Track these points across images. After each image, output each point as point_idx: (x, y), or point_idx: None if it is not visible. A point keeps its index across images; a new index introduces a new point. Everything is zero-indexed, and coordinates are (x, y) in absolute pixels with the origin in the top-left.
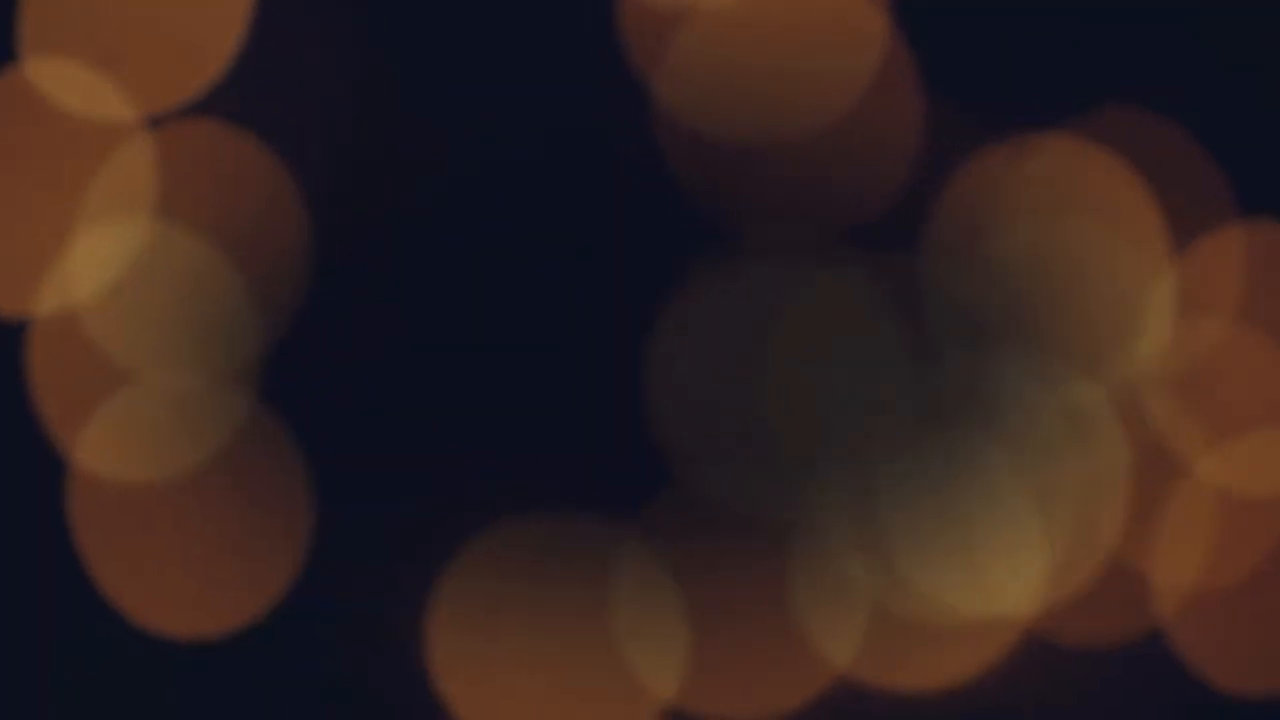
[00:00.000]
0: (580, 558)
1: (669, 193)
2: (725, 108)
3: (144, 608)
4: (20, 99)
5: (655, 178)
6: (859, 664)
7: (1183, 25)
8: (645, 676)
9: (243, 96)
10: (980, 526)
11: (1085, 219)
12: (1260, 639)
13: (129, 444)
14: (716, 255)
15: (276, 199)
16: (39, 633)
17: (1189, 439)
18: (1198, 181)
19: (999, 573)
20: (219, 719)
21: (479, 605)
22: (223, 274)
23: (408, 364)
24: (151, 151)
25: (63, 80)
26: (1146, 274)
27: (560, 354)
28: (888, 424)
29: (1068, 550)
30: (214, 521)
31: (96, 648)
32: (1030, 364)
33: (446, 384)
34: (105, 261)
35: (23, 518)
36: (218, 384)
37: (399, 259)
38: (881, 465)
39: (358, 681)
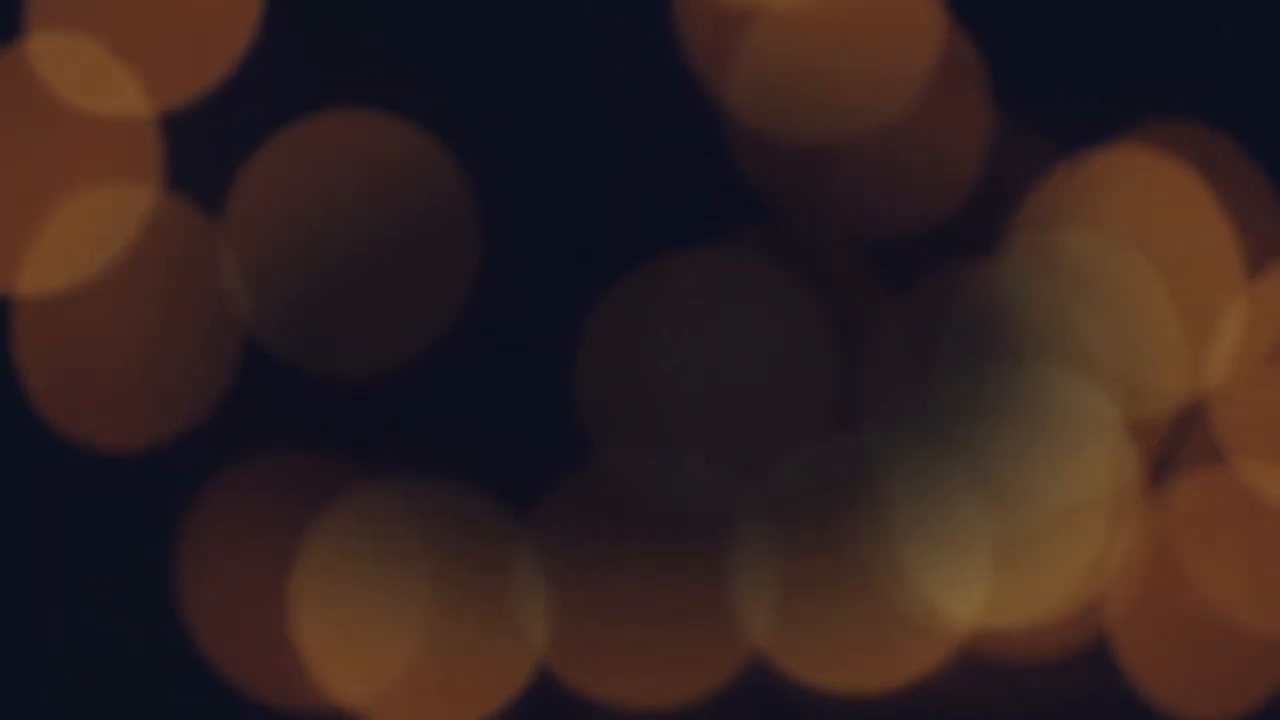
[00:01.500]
0: (482, 527)
1: (682, 187)
2: (785, 108)
3: (72, 420)
4: (19, 79)
5: (708, 174)
6: (773, 655)
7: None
8: (523, 640)
9: (248, 89)
10: (934, 533)
11: (1155, 233)
12: (1217, 667)
13: (61, 256)
14: (729, 246)
15: (278, 187)
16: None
17: (1226, 458)
18: (1261, 203)
19: (944, 578)
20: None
21: (355, 567)
22: (216, 257)
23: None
24: (153, 137)
25: (65, 63)
26: (1212, 293)
27: (550, 341)
28: (870, 425)
29: (1026, 561)
30: (139, 332)
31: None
32: (1055, 376)
33: (422, 366)
34: (98, 244)
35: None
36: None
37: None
38: (848, 465)
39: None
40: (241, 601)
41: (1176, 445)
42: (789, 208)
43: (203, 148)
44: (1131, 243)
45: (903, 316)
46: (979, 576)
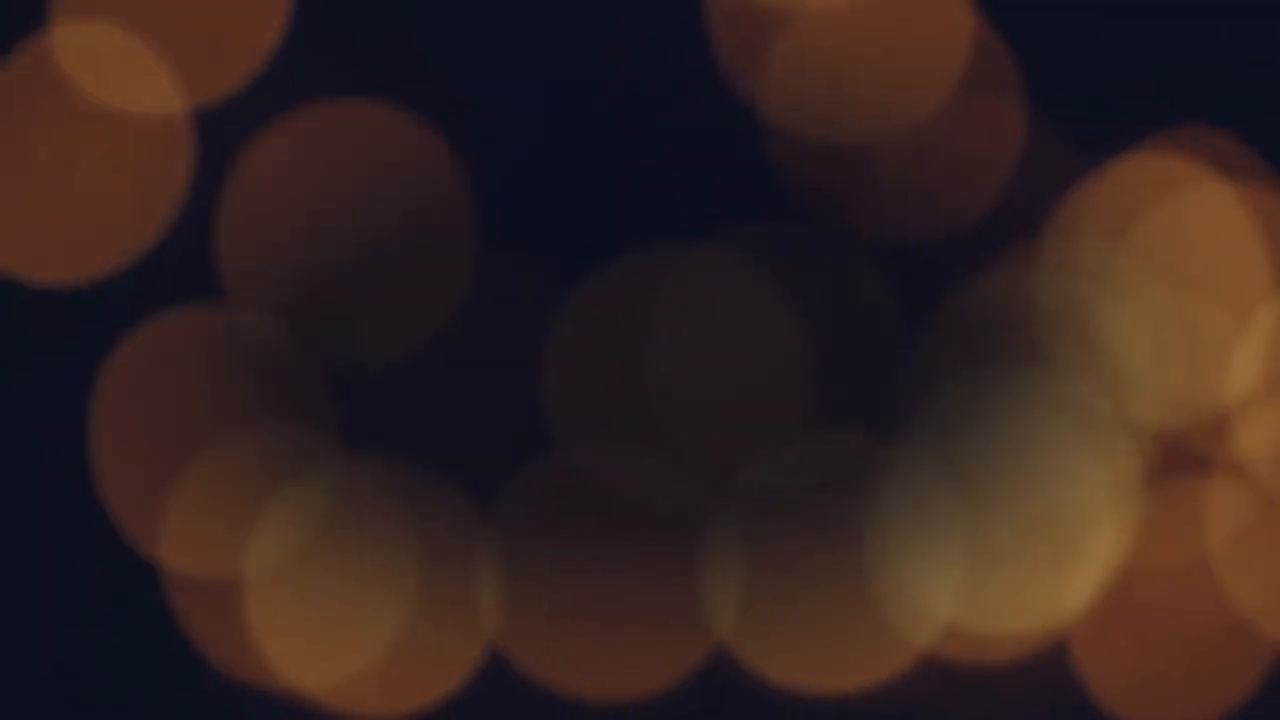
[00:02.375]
0: (445, 511)
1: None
2: (816, 107)
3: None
4: (42, 71)
5: (738, 173)
6: (738, 652)
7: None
8: (479, 626)
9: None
10: (910, 538)
11: (1181, 239)
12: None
13: None
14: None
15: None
16: None
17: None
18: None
19: (918, 583)
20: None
21: (314, 547)
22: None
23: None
24: (180, 132)
25: (89, 55)
26: (1237, 300)
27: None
28: (856, 427)
29: (1007, 566)
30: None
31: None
32: (1067, 382)
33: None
34: (122, 237)
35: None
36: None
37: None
38: (823, 466)
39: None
40: (200, 581)
41: (1198, 453)
42: (804, 206)
43: (221, 143)
44: (1156, 249)
45: (912, 318)
46: (954, 581)
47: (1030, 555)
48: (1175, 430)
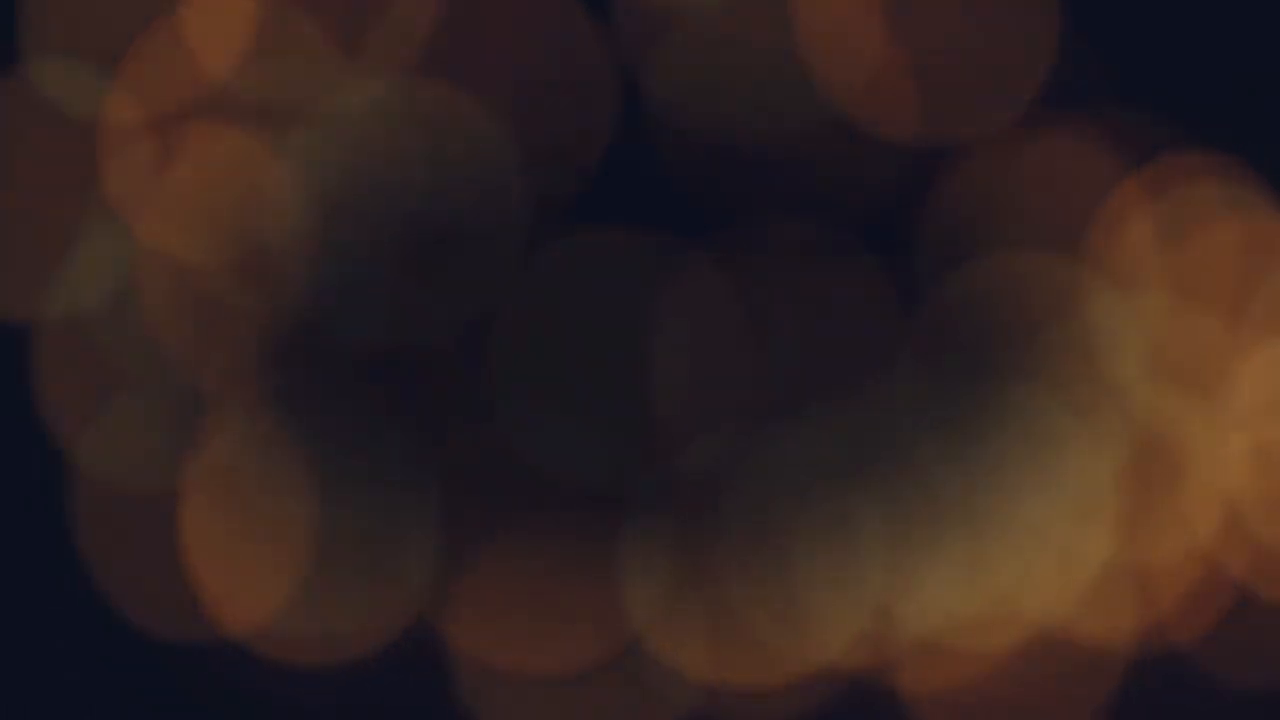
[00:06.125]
0: (384, 474)
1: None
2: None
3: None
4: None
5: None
6: (653, 640)
7: None
8: (406, 592)
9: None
10: (832, 542)
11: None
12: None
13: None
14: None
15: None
16: None
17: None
18: None
19: (837, 588)
20: None
21: (249, 500)
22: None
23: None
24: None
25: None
26: (1253, 319)
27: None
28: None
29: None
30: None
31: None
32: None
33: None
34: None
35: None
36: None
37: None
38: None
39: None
40: (135, 530)
41: (1181, 468)
42: (879, 204)
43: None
44: (1182, 262)
45: (918, 317)
46: (880, 587)
47: (982, 560)
48: (1164, 445)
